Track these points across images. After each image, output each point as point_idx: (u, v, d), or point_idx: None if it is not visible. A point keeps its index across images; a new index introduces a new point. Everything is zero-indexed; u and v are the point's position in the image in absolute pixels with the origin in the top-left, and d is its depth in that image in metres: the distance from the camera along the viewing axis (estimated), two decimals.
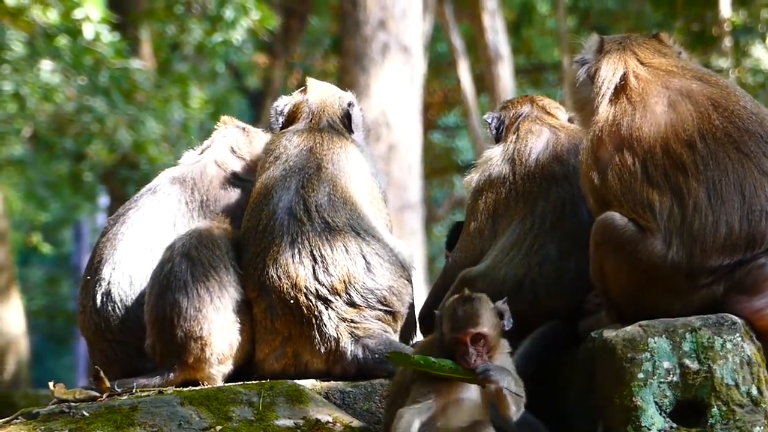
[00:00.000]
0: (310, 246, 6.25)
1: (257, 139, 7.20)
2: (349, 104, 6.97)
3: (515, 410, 5.08)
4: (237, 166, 7.04)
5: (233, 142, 7.13)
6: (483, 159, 6.70)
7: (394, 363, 5.42)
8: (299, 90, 7.07)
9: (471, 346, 5.14)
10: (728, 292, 5.45)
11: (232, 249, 6.41)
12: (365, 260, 6.27)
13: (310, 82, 7.06)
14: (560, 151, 6.45)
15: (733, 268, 5.45)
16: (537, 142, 6.52)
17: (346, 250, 6.26)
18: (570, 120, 6.76)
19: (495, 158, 6.60)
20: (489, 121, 6.81)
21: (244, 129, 7.26)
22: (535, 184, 6.38)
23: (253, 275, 6.33)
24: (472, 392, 5.13)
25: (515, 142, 6.58)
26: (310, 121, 6.83)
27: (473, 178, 6.67)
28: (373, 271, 6.27)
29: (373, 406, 5.97)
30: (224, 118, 7.37)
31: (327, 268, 6.23)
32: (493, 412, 5.18)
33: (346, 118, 6.89)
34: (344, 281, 6.22)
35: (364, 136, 7.11)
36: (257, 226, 6.38)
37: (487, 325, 5.18)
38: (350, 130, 6.87)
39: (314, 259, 6.24)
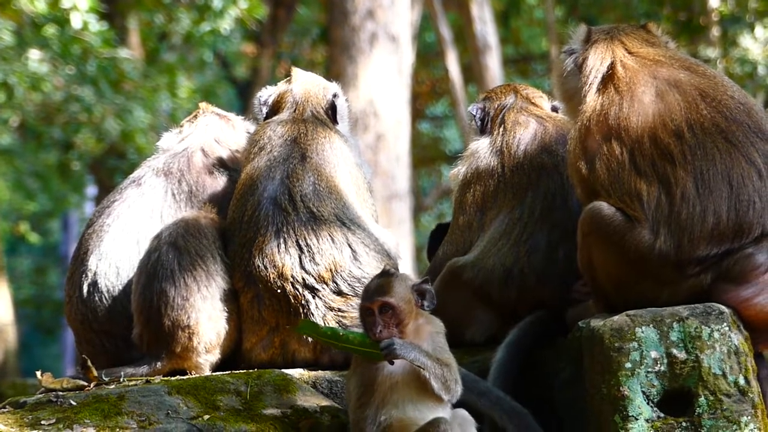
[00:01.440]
0: (296, 236, 6.24)
1: (238, 127, 7.18)
2: (334, 95, 6.95)
3: (439, 388, 5.04)
4: (223, 155, 7.01)
5: (218, 132, 7.10)
6: (469, 152, 6.67)
7: (302, 331, 5.38)
8: (284, 80, 7.05)
9: (378, 316, 5.13)
10: (716, 282, 5.46)
11: (219, 238, 6.40)
12: (351, 249, 6.26)
13: (295, 72, 7.03)
14: (548, 142, 6.44)
15: (720, 257, 5.46)
16: (525, 134, 6.50)
17: (332, 240, 6.25)
18: (553, 109, 6.75)
19: (482, 151, 6.58)
20: (474, 112, 6.78)
21: (225, 117, 7.23)
22: (524, 174, 6.37)
23: (239, 265, 6.32)
24: (404, 376, 5.11)
25: (503, 134, 6.55)
26: (294, 111, 6.80)
27: (460, 171, 6.65)
28: (360, 259, 6.26)
29: None
30: (202, 105, 7.32)
31: (313, 257, 6.22)
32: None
33: (331, 109, 6.87)
34: (331, 270, 6.21)
35: (350, 127, 7.10)
36: (242, 217, 6.37)
37: (396, 297, 5.16)
38: (335, 121, 6.85)
39: (300, 249, 6.23)
